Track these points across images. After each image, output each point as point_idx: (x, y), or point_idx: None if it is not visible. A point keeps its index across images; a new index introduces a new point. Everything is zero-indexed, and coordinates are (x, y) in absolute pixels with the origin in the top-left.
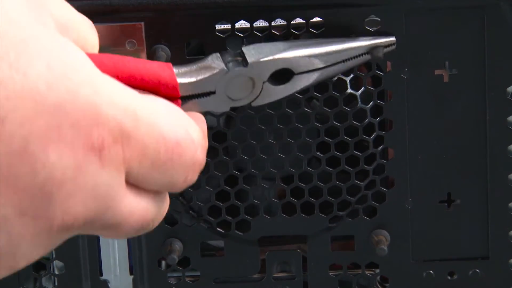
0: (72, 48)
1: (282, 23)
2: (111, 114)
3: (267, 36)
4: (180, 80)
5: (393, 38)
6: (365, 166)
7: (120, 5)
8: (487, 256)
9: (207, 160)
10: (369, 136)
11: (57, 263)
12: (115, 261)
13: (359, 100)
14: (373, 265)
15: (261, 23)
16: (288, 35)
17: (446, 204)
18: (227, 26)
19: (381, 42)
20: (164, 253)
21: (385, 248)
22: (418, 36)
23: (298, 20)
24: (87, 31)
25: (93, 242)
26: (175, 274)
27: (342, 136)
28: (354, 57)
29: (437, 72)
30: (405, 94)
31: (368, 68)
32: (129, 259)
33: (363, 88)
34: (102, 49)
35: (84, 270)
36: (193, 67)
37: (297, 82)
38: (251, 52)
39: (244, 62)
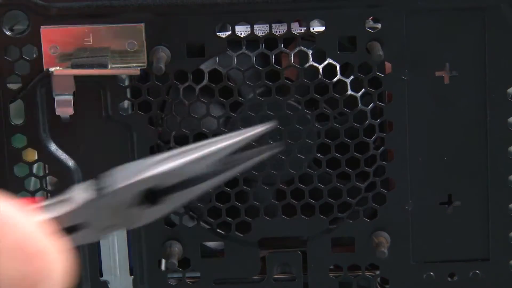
0: None
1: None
2: None
3: (267, 37)
4: (47, 215)
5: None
6: (366, 168)
7: (120, 6)
8: (488, 257)
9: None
10: (370, 137)
11: None
12: (115, 262)
13: (359, 102)
14: (374, 266)
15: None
16: (288, 37)
17: (446, 205)
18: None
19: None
20: (164, 255)
21: (385, 250)
22: (419, 37)
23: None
24: None
25: (93, 243)
26: (175, 275)
27: (342, 138)
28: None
29: (437, 73)
30: (406, 95)
31: (368, 70)
32: (129, 260)
33: (363, 89)
34: (103, 50)
35: (84, 271)
36: (56, 201)
37: (170, 201)
38: (113, 177)
39: (110, 190)
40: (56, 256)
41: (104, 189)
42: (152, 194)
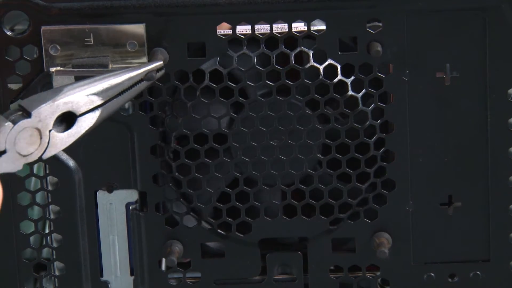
0: None
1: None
2: None
3: (268, 38)
4: None
5: (160, 62)
6: (366, 169)
7: (121, 7)
8: (488, 258)
9: (208, 161)
10: (370, 138)
11: (57, 264)
12: (115, 262)
13: (360, 102)
14: (374, 267)
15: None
16: (289, 38)
17: (447, 206)
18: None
19: (151, 68)
20: (164, 254)
21: (386, 250)
22: (420, 38)
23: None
24: None
25: (94, 243)
26: (175, 276)
27: (343, 139)
28: (130, 87)
29: (438, 74)
30: (406, 96)
31: (369, 70)
32: (129, 260)
33: (364, 90)
34: (103, 50)
35: (85, 271)
36: None
37: (82, 124)
38: (32, 102)
39: (27, 113)
40: None
41: (19, 115)
42: (66, 117)
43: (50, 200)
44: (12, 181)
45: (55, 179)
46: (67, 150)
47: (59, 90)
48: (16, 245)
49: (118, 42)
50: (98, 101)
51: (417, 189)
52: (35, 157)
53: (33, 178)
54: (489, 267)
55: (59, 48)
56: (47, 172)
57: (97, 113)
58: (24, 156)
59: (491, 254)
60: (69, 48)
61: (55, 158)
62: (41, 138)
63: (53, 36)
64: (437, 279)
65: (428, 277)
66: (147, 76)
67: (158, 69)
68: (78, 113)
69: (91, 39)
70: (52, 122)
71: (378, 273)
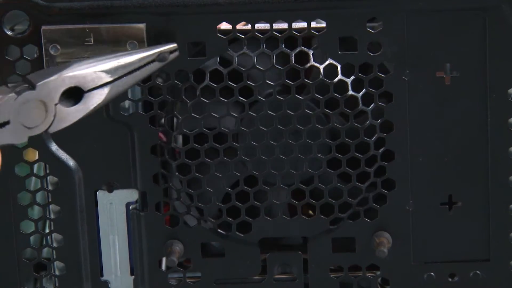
0: None
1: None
2: None
3: (268, 38)
4: None
5: (174, 44)
6: (366, 168)
7: (121, 7)
8: (488, 258)
9: (208, 161)
10: (370, 138)
11: (57, 264)
12: (115, 262)
13: (360, 103)
14: (374, 267)
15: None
16: (289, 37)
17: (447, 206)
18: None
19: (164, 49)
20: (165, 254)
21: (385, 250)
22: (420, 38)
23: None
24: None
25: (94, 243)
26: (175, 275)
27: (343, 138)
28: (141, 67)
29: (438, 74)
30: (407, 96)
31: (369, 70)
32: (129, 260)
33: (364, 90)
34: (104, 50)
35: (85, 271)
36: None
37: (90, 100)
38: (38, 76)
39: (32, 86)
40: None
41: (24, 87)
42: (74, 92)
43: (50, 200)
44: (12, 181)
45: (55, 179)
46: (67, 150)
47: (67, 65)
48: (16, 245)
49: (118, 42)
50: (106, 78)
51: (417, 189)
52: (40, 130)
53: (33, 178)
54: (489, 267)
55: (59, 48)
56: (47, 172)
57: (105, 90)
58: (29, 128)
59: (491, 254)
60: (69, 48)
61: (55, 158)
62: (46, 111)
63: (53, 36)
64: (437, 278)
65: (428, 276)
66: (159, 57)
67: (171, 51)
68: (85, 89)
69: (91, 39)
70: (58, 96)
71: (378, 273)
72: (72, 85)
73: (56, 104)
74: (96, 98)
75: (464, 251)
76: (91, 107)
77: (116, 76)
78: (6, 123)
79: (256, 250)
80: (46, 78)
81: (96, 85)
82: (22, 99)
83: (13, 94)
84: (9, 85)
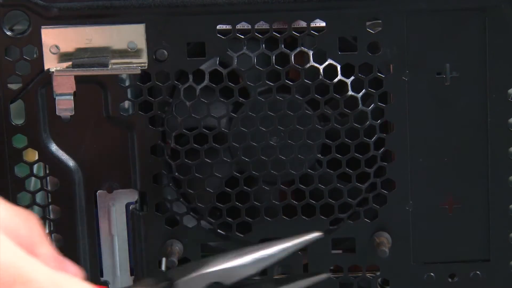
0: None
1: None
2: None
3: (268, 38)
4: None
5: (321, 233)
6: (366, 169)
7: (121, 7)
8: (488, 258)
9: (208, 161)
10: (370, 138)
11: None
12: (115, 262)
13: (360, 102)
14: (374, 267)
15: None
16: (289, 37)
17: (447, 206)
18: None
19: (307, 239)
20: (164, 254)
21: (386, 250)
22: (419, 38)
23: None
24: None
25: (94, 243)
26: None
27: (343, 138)
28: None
29: (438, 74)
30: (406, 96)
31: (369, 70)
32: (129, 260)
33: (364, 90)
34: (103, 50)
35: (85, 271)
36: None
37: None
38: (178, 273)
39: (171, 283)
40: None
41: (166, 284)
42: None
43: (50, 200)
44: (12, 181)
45: (55, 179)
46: (67, 150)
47: (207, 260)
48: None
49: (118, 42)
50: (249, 270)
51: (417, 189)
52: None
53: (33, 178)
54: (489, 267)
55: (59, 48)
56: (47, 172)
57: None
58: None
59: (491, 254)
60: (69, 48)
61: (55, 159)
62: None
63: (53, 36)
64: (437, 279)
65: (428, 277)
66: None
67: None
68: (227, 283)
69: (91, 39)
70: None
71: (378, 273)
72: (213, 281)
73: None
74: None
75: (464, 251)
76: None
77: (258, 269)
78: None
79: None
80: (187, 275)
81: (238, 279)
82: None
83: None
84: (149, 279)
